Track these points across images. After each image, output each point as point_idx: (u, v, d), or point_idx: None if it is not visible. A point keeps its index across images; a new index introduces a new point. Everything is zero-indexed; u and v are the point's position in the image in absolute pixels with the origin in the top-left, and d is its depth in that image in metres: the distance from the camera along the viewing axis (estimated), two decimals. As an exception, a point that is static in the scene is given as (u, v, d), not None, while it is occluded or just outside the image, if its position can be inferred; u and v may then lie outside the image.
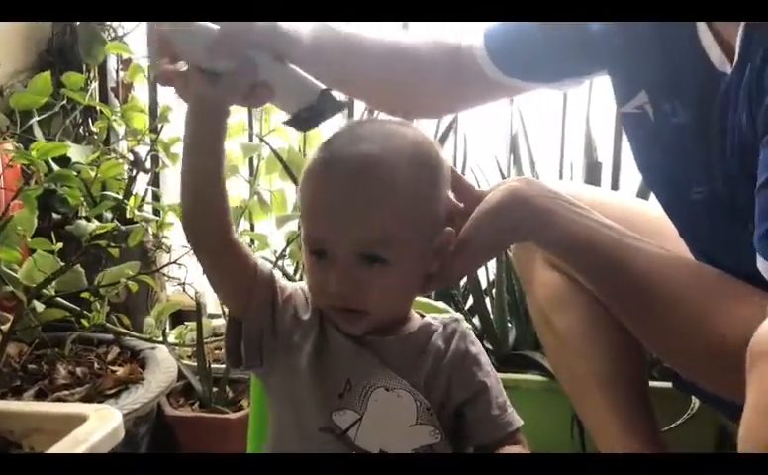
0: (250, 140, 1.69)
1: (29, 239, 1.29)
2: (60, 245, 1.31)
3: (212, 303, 1.67)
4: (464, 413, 0.74)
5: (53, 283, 1.30)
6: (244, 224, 1.61)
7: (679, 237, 0.91)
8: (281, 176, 1.59)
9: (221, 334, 1.64)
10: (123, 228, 1.44)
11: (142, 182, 1.66)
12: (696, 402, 1.25)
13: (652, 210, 1.00)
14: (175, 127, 1.51)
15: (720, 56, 0.77)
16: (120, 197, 1.47)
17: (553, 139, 1.69)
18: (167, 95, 1.72)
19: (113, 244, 1.38)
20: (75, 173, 1.31)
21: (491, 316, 1.50)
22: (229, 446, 1.26)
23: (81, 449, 0.89)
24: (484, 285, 1.55)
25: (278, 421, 0.75)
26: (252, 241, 1.57)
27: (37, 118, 1.49)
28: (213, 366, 1.47)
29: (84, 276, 1.35)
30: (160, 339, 1.47)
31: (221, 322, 1.60)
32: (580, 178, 1.56)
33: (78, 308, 1.37)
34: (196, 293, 1.48)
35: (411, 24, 1.59)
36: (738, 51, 0.73)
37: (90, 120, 1.76)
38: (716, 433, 1.32)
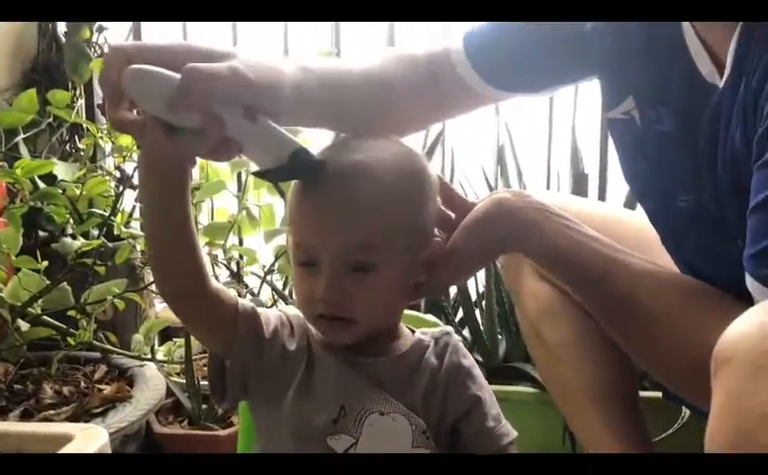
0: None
1: (14, 258, 1.28)
2: (46, 264, 1.30)
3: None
4: (459, 428, 0.73)
5: (39, 301, 1.29)
6: (233, 239, 1.61)
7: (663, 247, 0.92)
8: (269, 191, 1.59)
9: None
10: (110, 245, 1.43)
11: (129, 199, 1.65)
12: (686, 412, 1.25)
13: (639, 220, 1.00)
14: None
15: (709, 67, 0.77)
16: (107, 214, 1.46)
17: (540, 150, 1.70)
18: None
19: (99, 262, 1.37)
20: (61, 191, 1.30)
21: (481, 328, 1.50)
22: (218, 464, 1.24)
23: (67, 470, 0.88)
24: (474, 297, 1.55)
25: (267, 449, 0.74)
26: (241, 257, 1.56)
27: (22, 136, 1.48)
28: (202, 383, 1.46)
29: (71, 294, 1.34)
30: (149, 357, 1.46)
31: (209, 338, 1.58)
32: (567, 189, 1.57)
33: (65, 326, 1.36)
34: (184, 309, 1.47)
35: (402, 28, 1.60)
36: (731, 65, 0.73)
37: (77, 137, 1.75)
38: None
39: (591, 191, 1.57)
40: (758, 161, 0.68)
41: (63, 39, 1.75)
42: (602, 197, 1.62)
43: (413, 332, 0.77)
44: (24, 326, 1.30)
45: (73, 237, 1.42)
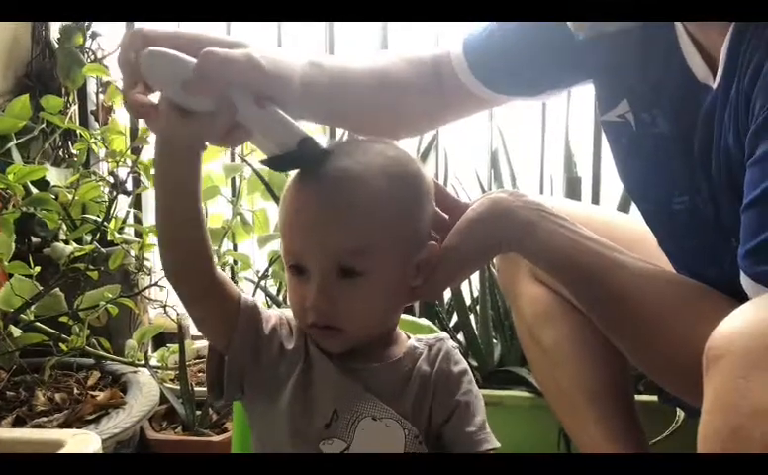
0: (232, 160, 1.69)
1: (6, 264, 1.27)
2: (38, 269, 1.29)
3: (194, 326, 1.66)
4: (442, 434, 0.73)
5: (32, 307, 1.29)
6: (227, 244, 1.60)
7: (659, 250, 0.92)
8: (263, 196, 1.59)
9: (204, 357, 1.62)
10: (104, 250, 1.43)
11: (123, 204, 1.65)
12: (681, 415, 1.25)
13: (633, 223, 1.00)
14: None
15: (702, 68, 0.78)
16: (100, 219, 1.45)
17: (533, 154, 1.70)
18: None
19: (92, 267, 1.36)
20: (54, 196, 1.30)
21: (476, 332, 1.50)
22: (212, 470, 1.24)
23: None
24: (468, 301, 1.55)
25: (260, 451, 0.74)
26: (235, 262, 1.56)
27: (15, 141, 1.48)
28: (196, 389, 1.45)
29: (63, 300, 1.34)
30: (142, 363, 1.45)
31: (204, 344, 1.58)
32: (560, 193, 1.57)
33: (57, 332, 1.35)
34: (178, 315, 1.47)
35: (393, 28, 1.60)
36: (723, 66, 0.74)
37: (70, 143, 1.75)
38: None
39: (584, 195, 1.57)
40: (750, 159, 0.68)
41: (56, 45, 1.75)
42: (595, 200, 1.62)
43: (409, 338, 0.77)
44: (16, 332, 1.29)
45: (66, 242, 1.41)
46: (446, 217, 0.78)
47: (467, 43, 0.95)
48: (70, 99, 1.75)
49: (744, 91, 0.70)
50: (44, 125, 1.57)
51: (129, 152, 1.51)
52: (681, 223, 0.85)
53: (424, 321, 1.05)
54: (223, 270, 1.50)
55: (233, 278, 1.54)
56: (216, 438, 1.39)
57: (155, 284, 1.47)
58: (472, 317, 1.53)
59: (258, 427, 0.75)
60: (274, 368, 0.72)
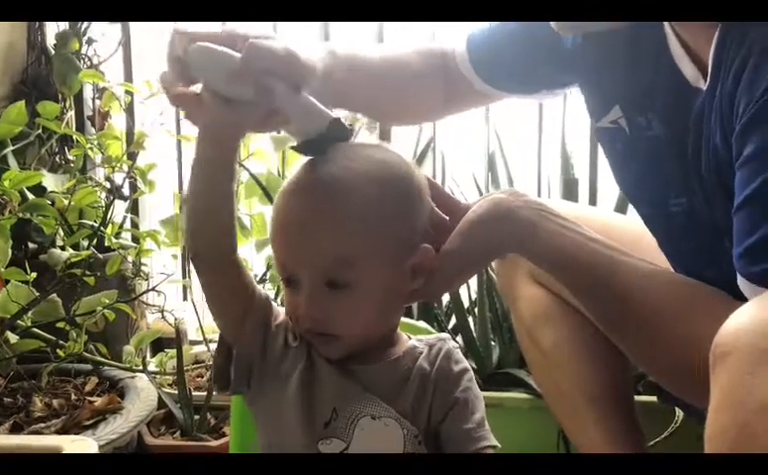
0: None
1: (3, 270, 1.27)
2: (35, 275, 1.29)
3: (192, 330, 1.65)
4: (440, 431, 0.72)
5: (29, 313, 1.28)
6: (224, 249, 1.60)
7: (658, 250, 0.92)
8: (260, 200, 1.59)
9: (202, 362, 1.62)
10: (101, 256, 1.43)
11: (120, 210, 1.64)
12: (680, 415, 1.25)
13: (631, 224, 1.00)
14: (151, 153, 1.50)
15: (692, 72, 0.78)
16: (97, 225, 1.45)
17: (530, 156, 1.70)
18: (143, 122, 1.71)
19: (89, 273, 1.36)
20: (50, 202, 1.30)
21: (474, 334, 1.50)
22: None
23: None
24: (466, 304, 1.55)
25: (264, 448, 0.74)
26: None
27: (11, 148, 1.48)
28: (194, 394, 1.45)
29: (60, 306, 1.33)
30: (140, 368, 1.45)
31: (201, 349, 1.58)
32: (557, 194, 1.57)
33: (54, 338, 1.35)
34: (176, 320, 1.46)
35: (390, 28, 1.61)
36: (711, 67, 0.74)
37: (66, 149, 1.75)
38: (701, 447, 1.32)
39: (581, 196, 1.57)
40: (738, 160, 0.68)
41: (52, 50, 1.75)
42: (592, 202, 1.62)
43: (409, 338, 0.77)
44: (13, 338, 1.29)
45: (63, 248, 1.41)
46: (447, 218, 0.78)
47: (470, 39, 0.99)
48: (67, 105, 1.75)
49: (728, 92, 0.70)
50: (40, 131, 1.56)
51: (125, 158, 1.51)
52: (678, 225, 0.85)
53: (422, 324, 1.05)
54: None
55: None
56: (214, 443, 1.39)
57: (153, 289, 1.47)
58: (471, 319, 1.53)
59: (261, 424, 0.74)
60: (278, 363, 0.72)
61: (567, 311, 1.01)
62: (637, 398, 1.07)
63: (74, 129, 1.72)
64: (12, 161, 1.51)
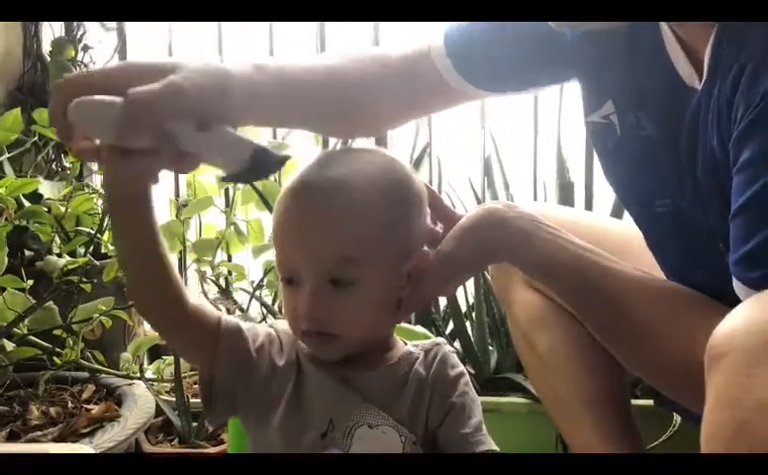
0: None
1: (-1, 277, 1.27)
2: (31, 282, 1.29)
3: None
4: (437, 436, 0.72)
5: (25, 321, 1.28)
6: (221, 255, 1.60)
7: (651, 255, 0.92)
8: (257, 206, 1.58)
9: (199, 368, 1.62)
10: (97, 263, 1.42)
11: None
12: (678, 419, 1.25)
13: (626, 229, 1.00)
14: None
15: (688, 71, 0.78)
16: (93, 232, 1.45)
17: (526, 160, 1.71)
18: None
19: (85, 280, 1.36)
20: (46, 209, 1.30)
21: (472, 339, 1.50)
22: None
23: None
24: (464, 309, 1.55)
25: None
26: (230, 273, 1.55)
27: (7, 155, 1.48)
28: (192, 401, 1.45)
29: (57, 313, 1.33)
30: (137, 375, 1.44)
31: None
32: (553, 199, 1.58)
33: (51, 346, 1.35)
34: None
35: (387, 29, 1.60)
36: (708, 67, 0.74)
37: (62, 156, 1.75)
38: (698, 450, 1.32)
39: (577, 200, 1.57)
40: (735, 166, 0.69)
41: (48, 58, 1.75)
42: (588, 206, 1.63)
43: (405, 343, 0.77)
44: (9, 346, 1.29)
45: (59, 255, 1.41)
46: (440, 231, 0.79)
47: (449, 36, 0.93)
48: (62, 112, 1.74)
49: (726, 96, 0.71)
50: (36, 138, 1.56)
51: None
52: (664, 226, 0.86)
53: (419, 328, 1.05)
54: (218, 281, 1.52)
55: (227, 289, 1.54)
56: (212, 450, 1.38)
57: (150, 296, 1.46)
58: (468, 324, 1.53)
59: (254, 442, 0.74)
60: (266, 387, 0.72)
61: (563, 315, 1.01)
62: (634, 402, 1.08)
63: (70, 136, 1.71)
64: (8, 169, 1.51)
